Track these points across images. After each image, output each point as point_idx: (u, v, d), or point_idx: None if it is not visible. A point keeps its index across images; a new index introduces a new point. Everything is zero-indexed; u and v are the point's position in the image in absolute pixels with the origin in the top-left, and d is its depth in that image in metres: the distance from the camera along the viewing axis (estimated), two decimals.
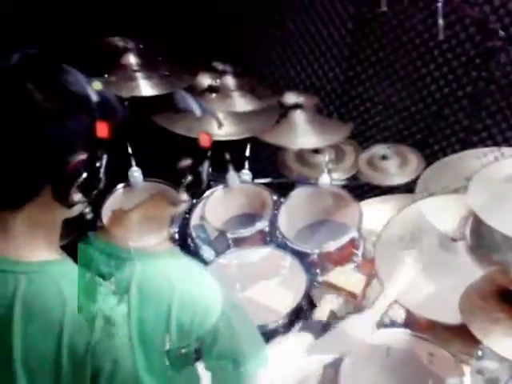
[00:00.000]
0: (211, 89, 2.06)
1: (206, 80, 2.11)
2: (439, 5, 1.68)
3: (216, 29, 2.47)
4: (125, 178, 2.09)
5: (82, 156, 0.90)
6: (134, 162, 2.08)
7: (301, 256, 1.84)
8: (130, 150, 2.06)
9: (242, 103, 2.03)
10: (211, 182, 2.07)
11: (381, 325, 1.53)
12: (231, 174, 2.04)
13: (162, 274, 0.99)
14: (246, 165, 2.12)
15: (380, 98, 2.47)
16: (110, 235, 1.07)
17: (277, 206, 1.99)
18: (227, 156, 2.01)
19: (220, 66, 2.16)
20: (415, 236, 1.66)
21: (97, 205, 1.97)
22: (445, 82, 2.33)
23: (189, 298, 0.98)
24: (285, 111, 2.09)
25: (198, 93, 2.05)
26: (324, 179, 1.99)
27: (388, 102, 2.45)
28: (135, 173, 2.07)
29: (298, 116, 2.09)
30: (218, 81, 2.06)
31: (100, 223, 1.91)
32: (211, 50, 2.39)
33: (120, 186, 2.09)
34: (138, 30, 2.20)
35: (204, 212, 1.98)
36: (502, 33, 1.81)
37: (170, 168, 2.04)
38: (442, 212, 1.69)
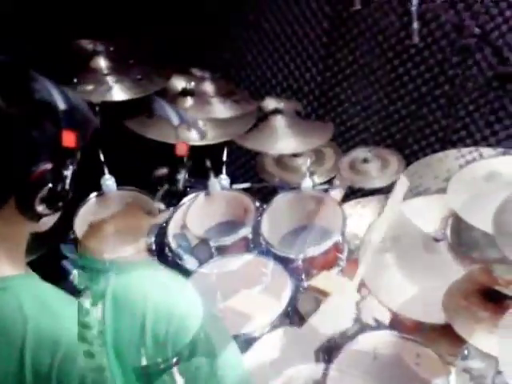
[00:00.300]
0: (185, 92, 2.02)
1: (179, 83, 2.07)
2: (413, 8, 1.69)
3: (189, 30, 2.45)
4: (97, 187, 2.03)
5: (47, 166, 0.88)
6: (106, 170, 2.03)
7: (285, 262, 1.83)
8: (102, 157, 2.01)
9: (221, 109, 2.02)
10: (188, 189, 2.05)
11: (366, 327, 1.55)
12: (212, 181, 2.02)
13: (136, 286, 0.98)
14: (224, 170, 2.10)
15: (358, 99, 2.48)
16: (84, 247, 1.06)
17: (259, 212, 1.99)
18: (208, 163, 1.98)
19: (198, 73, 2.13)
20: (397, 238, 1.67)
21: (68, 216, 1.92)
22: (422, 80, 2.35)
23: (163, 308, 0.97)
24: (264, 116, 2.08)
25: (172, 96, 2.01)
26: (306, 183, 1.99)
27: (366, 102, 2.47)
28: (108, 181, 2.02)
29: (278, 121, 2.09)
30: (192, 84, 2.02)
31: (72, 235, 1.87)
32: (185, 51, 2.36)
33: (93, 195, 2.04)
34: (108, 31, 2.16)
35: (185, 220, 1.97)
36: (477, 30, 1.83)
37: (144, 175, 1.99)
38: (423, 213, 1.71)
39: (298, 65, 2.61)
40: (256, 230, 1.93)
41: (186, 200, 2.03)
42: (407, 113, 2.43)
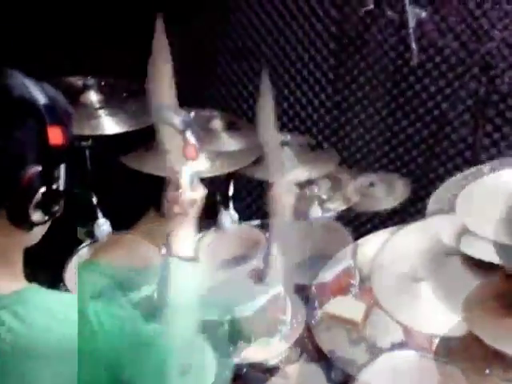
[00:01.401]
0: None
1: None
2: (410, 31, 1.74)
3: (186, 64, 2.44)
4: (90, 233, 1.87)
5: (36, 168, 0.81)
6: (100, 213, 1.87)
7: (298, 290, 1.83)
8: (94, 199, 1.86)
9: (231, 143, 2.00)
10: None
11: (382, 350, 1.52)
12: (224, 214, 1.96)
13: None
14: (231, 204, 2.02)
15: (365, 123, 2.49)
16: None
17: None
18: (218, 197, 1.94)
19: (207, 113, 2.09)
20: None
21: (57, 266, 1.76)
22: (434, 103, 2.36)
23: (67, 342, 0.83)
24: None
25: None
26: (314, 212, 2.00)
27: (377, 126, 2.48)
28: (102, 226, 1.87)
29: (285, 152, 2.10)
30: (191, 114, 1.91)
31: (64, 288, 1.71)
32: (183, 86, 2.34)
33: (85, 243, 1.87)
34: (99, 67, 2.12)
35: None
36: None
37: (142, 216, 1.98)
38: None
39: (304, 91, 2.59)
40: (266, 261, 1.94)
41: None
42: (429, 134, 2.41)
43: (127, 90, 2.07)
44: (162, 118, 1.09)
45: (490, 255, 1.42)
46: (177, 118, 1.03)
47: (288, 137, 2.11)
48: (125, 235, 1.49)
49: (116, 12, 2.41)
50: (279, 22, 2.49)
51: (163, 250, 1.11)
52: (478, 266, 1.52)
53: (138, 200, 1.76)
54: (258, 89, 1.45)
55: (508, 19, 2.07)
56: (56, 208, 0.86)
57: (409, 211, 2.22)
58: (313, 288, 1.82)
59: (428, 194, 2.01)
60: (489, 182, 1.68)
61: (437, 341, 1.50)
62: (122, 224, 1.67)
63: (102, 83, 2.06)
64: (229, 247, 2.06)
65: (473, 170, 1.89)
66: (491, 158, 2.11)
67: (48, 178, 0.83)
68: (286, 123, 2.62)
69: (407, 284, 1.51)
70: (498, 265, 1.36)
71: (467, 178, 1.87)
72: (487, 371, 1.31)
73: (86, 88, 2.02)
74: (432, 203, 1.65)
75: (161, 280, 1.01)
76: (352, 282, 1.86)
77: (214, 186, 1.96)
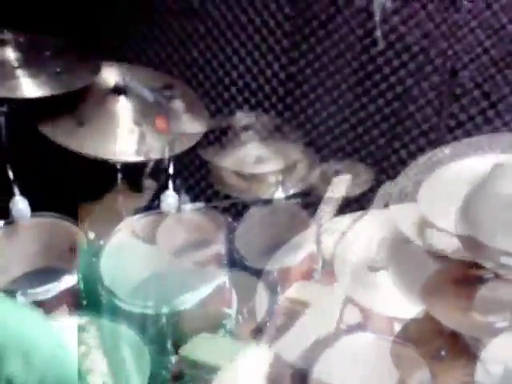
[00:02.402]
0: (118, 90, 1.78)
1: (111, 78, 1.81)
2: (376, 19, 1.74)
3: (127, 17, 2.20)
4: (4, 213, 1.70)
5: None
6: (17, 190, 1.69)
7: (260, 275, 1.85)
8: (10, 174, 1.66)
9: (192, 125, 1.90)
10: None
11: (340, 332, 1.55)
12: (166, 196, 1.81)
13: None
14: (171, 185, 1.84)
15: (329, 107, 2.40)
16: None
17: (231, 227, 2.01)
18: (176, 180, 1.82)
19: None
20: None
21: None
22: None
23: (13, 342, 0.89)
24: (235, 132, 2.06)
25: (103, 95, 1.77)
26: (278, 195, 2.03)
27: (337, 110, 2.40)
28: (19, 204, 1.70)
29: (250, 137, 2.08)
30: (126, 79, 1.77)
31: None
32: (115, 42, 2.04)
33: None
34: (19, 20, 1.88)
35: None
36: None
37: (66, 195, 1.73)
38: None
39: (262, 72, 2.41)
40: (229, 246, 1.95)
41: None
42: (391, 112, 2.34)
43: (51, 48, 1.86)
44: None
45: (451, 247, 1.44)
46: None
47: (253, 118, 2.08)
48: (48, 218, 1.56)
49: None
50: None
51: (90, 235, 1.04)
52: (436, 253, 1.57)
53: (61, 177, 1.77)
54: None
55: None
56: None
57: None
58: (275, 273, 1.84)
59: (389, 178, 2.10)
60: (451, 170, 1.71)
61: (396, 324, 1.54)
62: (42, 203, 1.66)
63: (21, 39, 1.83)
64: (187, 231, 1.99)
65: (436, 152, 1.92)
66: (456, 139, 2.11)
67: None
68: (235, 96, 2.47)
69: (367, 270, 1.56)
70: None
71: (430, 164, 1.91)
72: (443, 353, 1.36)
73: (1, 43, 1.80)
74: (395, 190, 1.67)
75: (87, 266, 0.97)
76: (315, 266, 1.89)
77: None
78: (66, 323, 1.35)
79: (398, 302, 1.50)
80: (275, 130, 2.11)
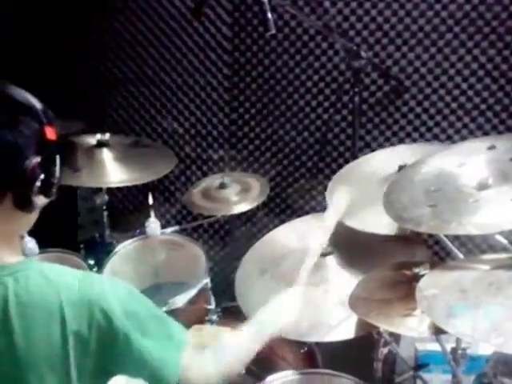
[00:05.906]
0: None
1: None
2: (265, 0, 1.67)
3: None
4: None
5: (37, 159, 1.02)
6: (25, 233, 1.71)
7: None
8: None
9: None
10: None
11: None
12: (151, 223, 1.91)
13: (42, 284, 1.02)
14: (152, 213, 2.00)
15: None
16: None
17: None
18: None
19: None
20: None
21: None
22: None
23: (82, 299, 1.02)
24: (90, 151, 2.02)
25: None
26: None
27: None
28: (29, 244, 1.87)
29: (106, 154, 2.01)
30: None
31: None
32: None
33: None
34: None
35: None
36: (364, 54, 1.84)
37: (68, 233, 2.05)
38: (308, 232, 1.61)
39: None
40: None
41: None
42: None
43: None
44: None
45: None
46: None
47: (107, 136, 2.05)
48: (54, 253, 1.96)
49: None
50: None
51: None
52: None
53: (64, 214, 1.96)
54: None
55: None
56: (54, 190, 1.07)
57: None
58: None
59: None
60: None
61: None
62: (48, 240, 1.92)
63: None
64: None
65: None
66: None
67: (46, 167, 1.05)
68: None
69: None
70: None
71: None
72: None
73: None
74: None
75: None
76: (209, 307, 1.75)
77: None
78: None
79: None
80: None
